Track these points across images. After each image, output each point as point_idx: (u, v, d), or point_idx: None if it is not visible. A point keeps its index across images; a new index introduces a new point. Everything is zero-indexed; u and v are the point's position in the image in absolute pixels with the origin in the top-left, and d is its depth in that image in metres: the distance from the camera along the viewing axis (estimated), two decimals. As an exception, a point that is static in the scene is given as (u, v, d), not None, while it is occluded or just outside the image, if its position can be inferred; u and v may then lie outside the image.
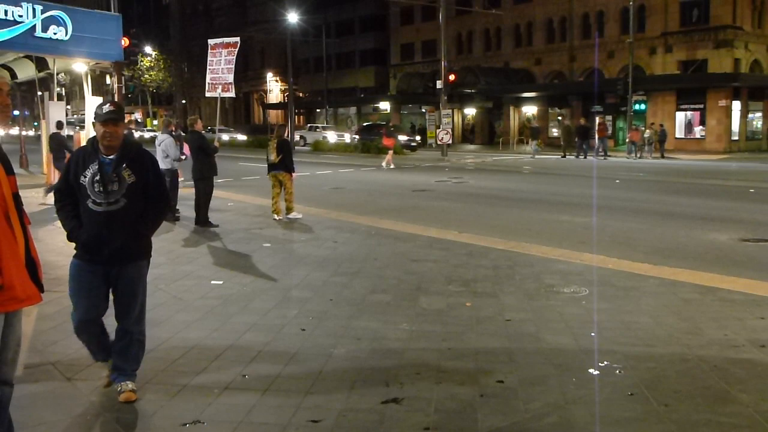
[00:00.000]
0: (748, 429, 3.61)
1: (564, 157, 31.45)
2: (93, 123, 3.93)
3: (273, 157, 11.36)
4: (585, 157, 30.31)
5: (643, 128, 32.66)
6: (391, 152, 26.23)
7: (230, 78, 13.01)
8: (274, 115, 67.25)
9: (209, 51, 13.11)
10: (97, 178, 3.85)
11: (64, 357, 4.61)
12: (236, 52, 12.88)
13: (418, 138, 41.06)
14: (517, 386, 4.17)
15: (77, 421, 3.71)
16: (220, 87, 13.03)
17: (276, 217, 11.40)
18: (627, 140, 33.20)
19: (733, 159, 30.03)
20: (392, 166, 25.02)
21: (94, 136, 3.97)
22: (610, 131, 37.18)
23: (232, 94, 13.22)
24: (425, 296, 6.35)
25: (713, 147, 35.01)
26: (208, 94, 13.33)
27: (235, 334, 5.21)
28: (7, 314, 2.77)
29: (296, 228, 10.65)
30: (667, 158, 30.70)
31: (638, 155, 30.63)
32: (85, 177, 3.87)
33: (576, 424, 3.67)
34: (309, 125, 50.77)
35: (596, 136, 31.83)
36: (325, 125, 50.14)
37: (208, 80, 13.26)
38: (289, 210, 11.49)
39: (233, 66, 12.98)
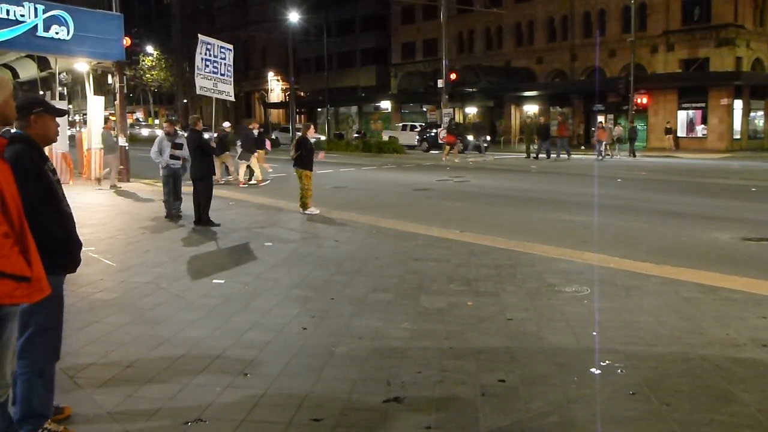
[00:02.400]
0: (750, 428, 3.60)
1: (528, 157, 29.80)
2: (36, 115, 3.41)
3: (292, 153, 12.28)
4: (548, 157, 28.70)
5: (612, 126, 31.26)
6: (448, 147, 29.06)
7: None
8: (275, 115, 67.30)
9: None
10: (56, 177, 3.49)
11: (64, 355, 4.61)
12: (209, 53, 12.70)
13: (487, 138, 35.79)
14: (518, 385, 4.17)
15: (79, 419, 3.72)
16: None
17: (311, 211, 11.94)
18: (594, 139, 31.51)
19: (735, 158, 29.98)
20: (456, 161, 26.61)
21: (23, 132, 3.37)
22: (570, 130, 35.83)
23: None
24: (426, 295, 6.35)
25: (715, 146, 34.97)
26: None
27: (236, 332, 5.22)
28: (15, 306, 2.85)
29: (298, 227, 10.66)
30: (638, 157, 29.74)
31: (602, 156, 28.93)
32: (52, 178, 3.42)
33: (577, 424, 3.67)
34: (403, 124, 44.37)
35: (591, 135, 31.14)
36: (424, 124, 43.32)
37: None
38: (303, 206, 12.01)
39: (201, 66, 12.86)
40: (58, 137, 3.71)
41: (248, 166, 18.24)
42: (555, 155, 29.04)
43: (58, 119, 3.62)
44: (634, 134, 31.26)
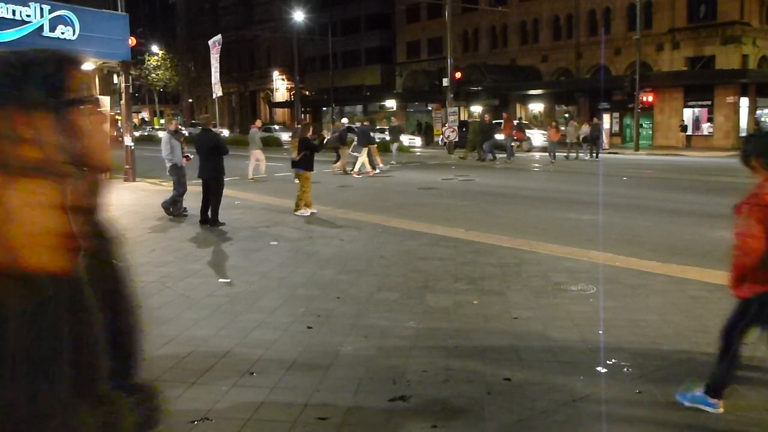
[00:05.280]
0: (757, 427, 3.59)
1: (464, 158, 27.40)
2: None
3: (294, 155, 12.04)
4: (494, 158, 26.39)
5: (576, 124, 29.26)
6: (517, 144, 29.74)
7: (216, 77, 13.40)
8: (280, 114, 67.43)
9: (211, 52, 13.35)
10: None
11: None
12: (219, 50, 13.21)
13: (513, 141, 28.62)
14: (524, 384, 4.17)
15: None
16: (217, 86, 13.32)
17: (308, 212, 11.78)
18: (546, 140, 29.31)
19: (741, 156, 29.71)
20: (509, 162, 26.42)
21: None
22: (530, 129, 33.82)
23: (218, 93, 13.55)
24: (432, 294, 6.35)
25: (721, 144, 34.82)
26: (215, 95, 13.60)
27: (242, 332, 5.23)
28: None
29: (303, 226, 10.67)
30: (599, 158, 27.54)
31: (553, 156, 26.55)
32: None
33: (583, 422, 3.67)
34: (518, 121, 37.43)
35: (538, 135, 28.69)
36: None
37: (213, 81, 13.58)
38: (297, 207, 11.84)
39: (218, 65, 13.40)
40: None
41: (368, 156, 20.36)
42: (492, 156, 26.84)
43: None
44: (596, 132, 28.99)
